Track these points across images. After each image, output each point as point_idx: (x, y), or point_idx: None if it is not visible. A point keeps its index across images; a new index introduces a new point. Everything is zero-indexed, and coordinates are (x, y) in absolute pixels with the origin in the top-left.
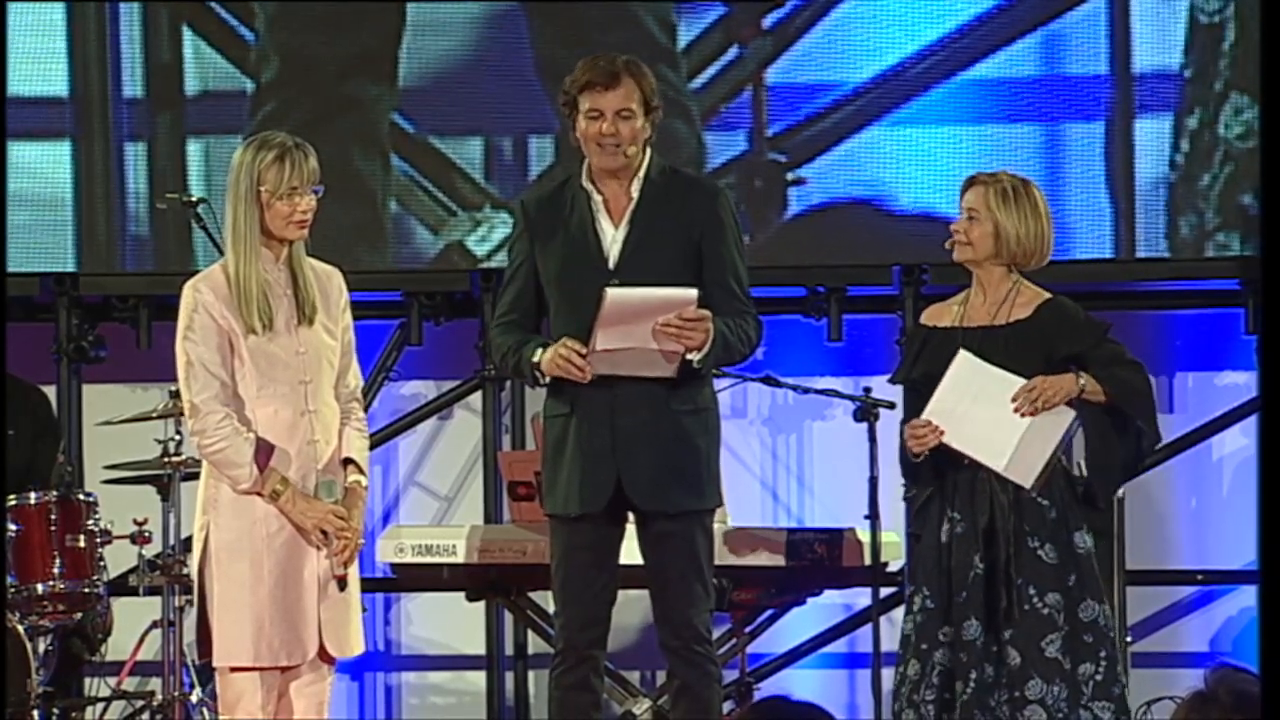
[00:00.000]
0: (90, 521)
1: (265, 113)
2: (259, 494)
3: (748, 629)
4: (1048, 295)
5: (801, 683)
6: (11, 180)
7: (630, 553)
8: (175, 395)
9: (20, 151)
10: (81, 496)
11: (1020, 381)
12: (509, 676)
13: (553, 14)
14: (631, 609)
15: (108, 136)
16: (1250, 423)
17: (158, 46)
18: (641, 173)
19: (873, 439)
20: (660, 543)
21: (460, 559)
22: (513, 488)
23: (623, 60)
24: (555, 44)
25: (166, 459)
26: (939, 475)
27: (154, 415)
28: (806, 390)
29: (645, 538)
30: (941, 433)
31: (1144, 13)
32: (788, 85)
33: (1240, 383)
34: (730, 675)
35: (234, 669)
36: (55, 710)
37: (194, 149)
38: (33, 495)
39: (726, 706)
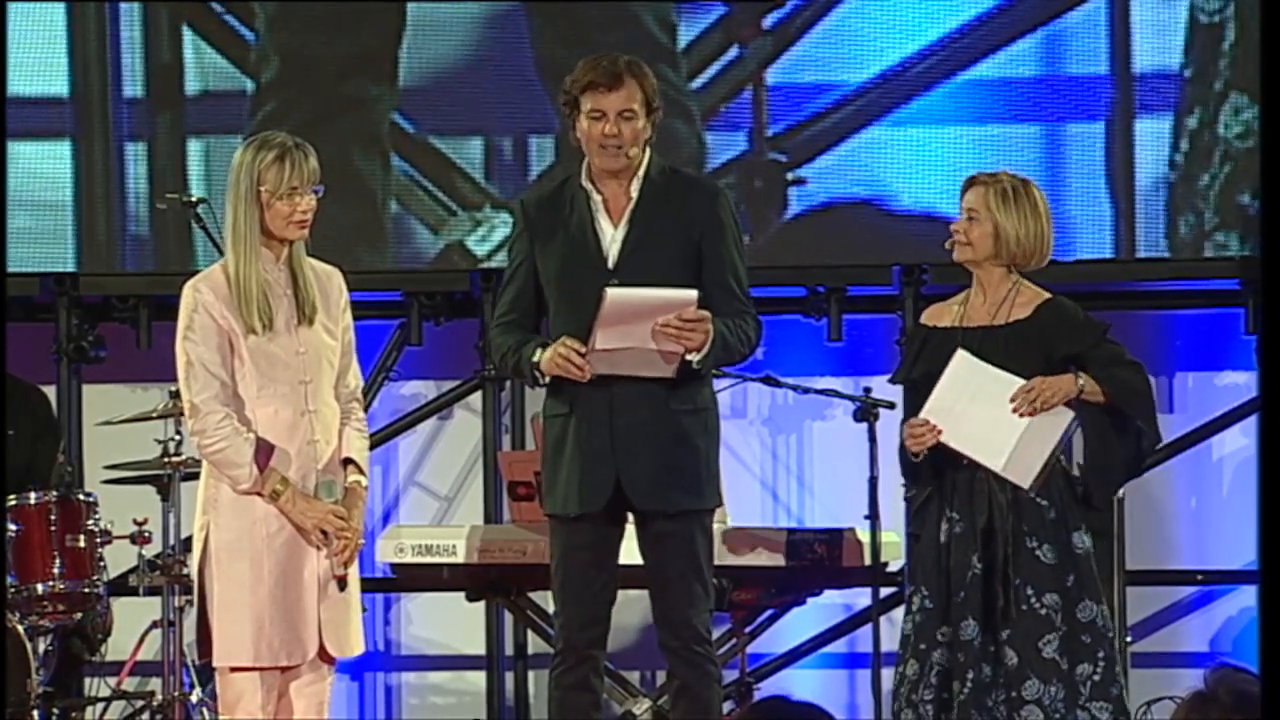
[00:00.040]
0: (90, 521)
1: (265, 113)
2: (259, 494)
3: (748, 629)
4: (1047, 295)
5: (801, 683)
6: (11, 180)
7: (630, 553)
8: (175, 395)
9: (20, 151)
10: (81, 496)
11: (1019, 382)
12: (509, 676)
13: (553, 14)
14: (631, 609)
15: (108, 136)
16: (1250, 423)
17: (158, 46)
18: (641, 172)
19: (873, 439)
20: (659, 543)
21: (460, 559)
22: (513, 488)
23: (625, 61)
24: (555, 44)
25: (166, 459)
26: (938, 475)
27: (154, 415)
28: (806, 390)
29: (645, 538)
30: (939, 432)
31: (1144, 13)
32: (788, 85)
33: (1240, 383)
34: (730, 675)
35: (234, 669)
36: (55, 710)
37: (194, 149)
38: (33, 495)
39: (726, 706)
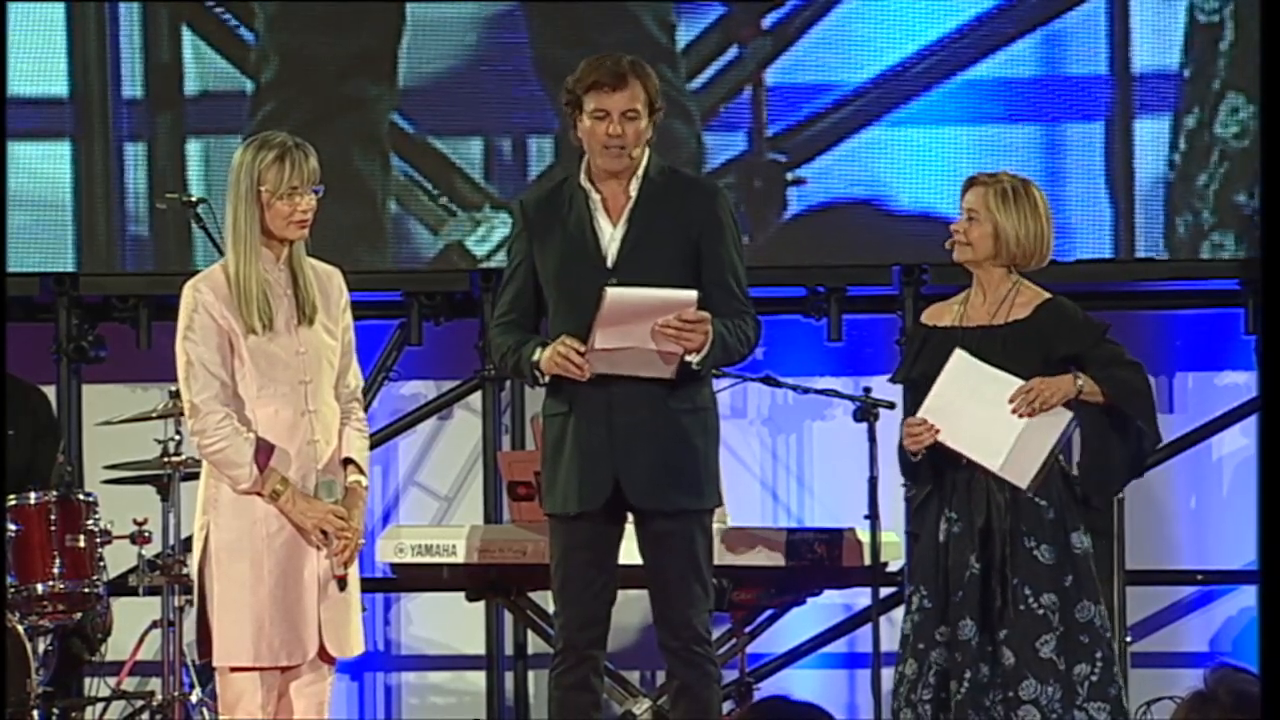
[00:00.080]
0: (90, 521)
1: (265, 113)
2: (259, 494)
3: (748, 629)
4: (1047, 295)
5: (801, 683)
6: (11, 180)
7: (630, 553)
8: (175, 395)
9: (20, 151)
10: (81, 496)
11: (1017, 382)
12: (509, 676)
13: (553, 14)
14: (631, 609)
15: (108, 136)
16: (1250, 423)
17: (157, 46)
18: (640, 172)
19: (872, 439)
20: (659, 542)
21: (460, 559)
22: (512, 488)
23: (629, 61)
24: (555, 44)
25: (166, 459)
26: (938, 474)
27: (154, 415)
28: (806, 390)
29: (644, 537)
30: (937, 431)
31: (1143, 13)
32: (787, 85)
33: (1240, 383)
34: (730, 675)
35: (234, 669)
36: (55, 710)
37: (194, 149)
38: (33, 495)
39: (726, 706)
